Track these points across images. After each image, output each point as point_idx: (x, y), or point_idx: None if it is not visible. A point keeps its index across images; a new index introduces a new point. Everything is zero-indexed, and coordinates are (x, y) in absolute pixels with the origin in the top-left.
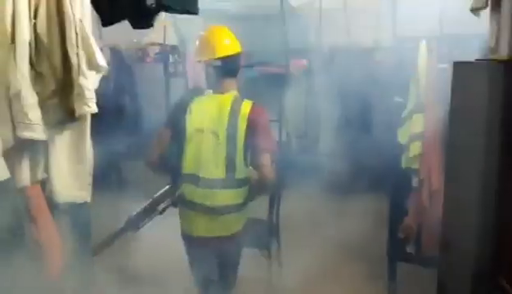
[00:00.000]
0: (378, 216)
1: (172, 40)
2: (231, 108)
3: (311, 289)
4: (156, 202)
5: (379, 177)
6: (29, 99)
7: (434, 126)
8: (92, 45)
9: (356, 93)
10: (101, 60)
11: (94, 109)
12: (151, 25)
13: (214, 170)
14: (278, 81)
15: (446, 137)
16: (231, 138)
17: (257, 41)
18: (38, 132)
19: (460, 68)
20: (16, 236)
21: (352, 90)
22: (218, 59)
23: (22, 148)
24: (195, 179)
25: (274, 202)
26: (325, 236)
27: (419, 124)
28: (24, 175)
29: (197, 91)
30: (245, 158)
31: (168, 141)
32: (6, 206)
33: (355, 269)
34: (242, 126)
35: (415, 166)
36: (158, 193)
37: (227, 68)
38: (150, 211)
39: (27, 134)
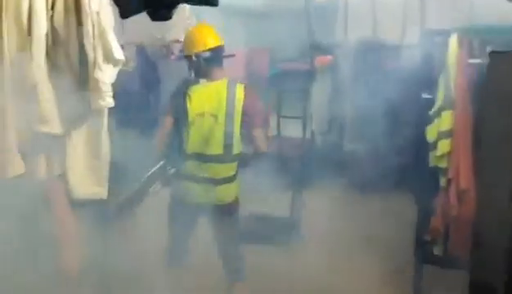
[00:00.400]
0: (404, 217)
1: None
2: (228, 93)
3: (333, 289)
4: (148, 182)
5: (406, 176)
6: (46, 92)
7: (464, 123)
8: (109, 38)
9: (382, 89)
10: (119, 53)
11: (110, 103)
12: (170, 17)
13: (215, 147)
14: (302, 77)
15: (478, 131)
16: (228, 119)
17: (281, 37)
18: (54, 127)
19: (495, 58)
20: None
21: (378, 86)
22: (207, 50)
23: (39, 142)
24: (197, 156)
25: (296, 200)
26: (349, 236)
27: (448, 121)
28: (41, 170)
29: (192, 81)
30: (241, 135)
31: (172, 127)
32: (25, 200)
33: (380, 270)
34: (238, 108)
35: (443, 165)
36: (150, 172)
37: (215, 58)
38: (142, 192)
39: (43, 128)
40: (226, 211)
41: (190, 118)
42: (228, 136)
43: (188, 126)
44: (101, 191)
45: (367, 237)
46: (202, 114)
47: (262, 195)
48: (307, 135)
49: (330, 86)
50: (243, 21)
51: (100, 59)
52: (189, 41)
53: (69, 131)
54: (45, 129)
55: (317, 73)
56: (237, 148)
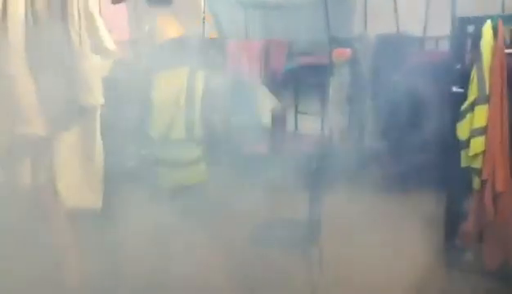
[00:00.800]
0: (432, 220)
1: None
2: (188, 80)
3: None
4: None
5: (434, 177)
6: (26, 87)
7: (500, 119)
8: (98, 25)
9: (407, 84)
10: (110, 42)
11: (99, 100)
12: (170, 2)
13: (177, 131)
14: (320, 72)
15: None
16: (190, 104)
17: (297, 30)
18: (37, 127)
19: None
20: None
21: (401, 80)
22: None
23: (22, 145)
24: (162, 140)
25: (315, 202)
26: (373, 240)
27: (482, 117)
28: (25, 177)
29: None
30: (201, 119)
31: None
32: (16, 209)
33: (406, 278)
34: (198, 93)
35: (477, 165)
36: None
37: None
38: None
39: (25, 129)
40: (192, 193)
41: (154, 105)
42: (189, 120)
43: (153, 112)
44: (94, 199)
45: (392, 241)
46: (165, 101)
47: (278, 196)
48: (326, 131)
49: (350, 81)
50: (259, 13)
51: (87, 48)
52: (153, 32)
53: (55, 133)
54: (27, 130)
55: (336, 68)
56: (198, 131)
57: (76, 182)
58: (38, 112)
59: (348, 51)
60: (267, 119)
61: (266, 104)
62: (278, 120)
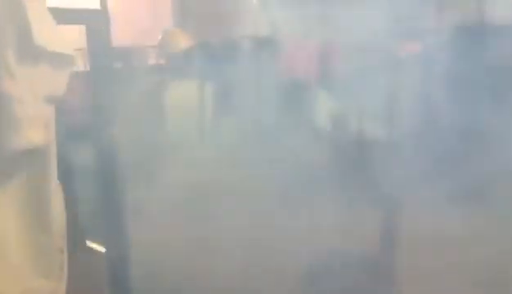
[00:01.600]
0: None
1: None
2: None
3: None
4: None
5: None
6: None
7: None
8: (29, 13)
9: (491, 84)
10: (57, 42)
11: (39, 139)
12: None
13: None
14: (381, 69)
15: None
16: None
17: (354, 20)
18: None
19: None
20: None
21: (484, 80)
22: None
23: None
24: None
25: (387, 225)
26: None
27: None
28: None
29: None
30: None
31: None
32: None
33: None
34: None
35: None
36: None
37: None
38: None
39: None
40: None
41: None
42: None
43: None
44: (53, 286)
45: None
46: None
47: (339, 220)
48: (394, 137)
49: (417, 82)
50: (311, 4)
51: (10, 56)
52: (164, 43)
53: None
54: None
55: (400, 65)
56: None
57: (24, 267)
58: None
59: (416, 44)
60: (325, 124)
61: (325, 107)
62: (339, 125)
